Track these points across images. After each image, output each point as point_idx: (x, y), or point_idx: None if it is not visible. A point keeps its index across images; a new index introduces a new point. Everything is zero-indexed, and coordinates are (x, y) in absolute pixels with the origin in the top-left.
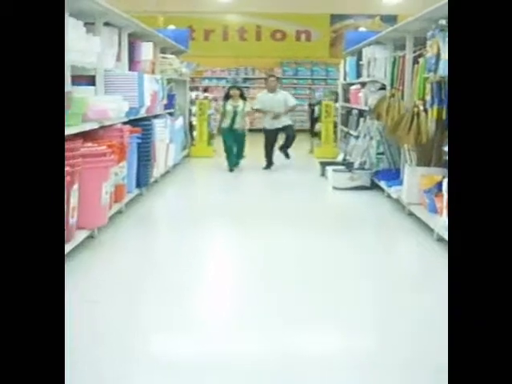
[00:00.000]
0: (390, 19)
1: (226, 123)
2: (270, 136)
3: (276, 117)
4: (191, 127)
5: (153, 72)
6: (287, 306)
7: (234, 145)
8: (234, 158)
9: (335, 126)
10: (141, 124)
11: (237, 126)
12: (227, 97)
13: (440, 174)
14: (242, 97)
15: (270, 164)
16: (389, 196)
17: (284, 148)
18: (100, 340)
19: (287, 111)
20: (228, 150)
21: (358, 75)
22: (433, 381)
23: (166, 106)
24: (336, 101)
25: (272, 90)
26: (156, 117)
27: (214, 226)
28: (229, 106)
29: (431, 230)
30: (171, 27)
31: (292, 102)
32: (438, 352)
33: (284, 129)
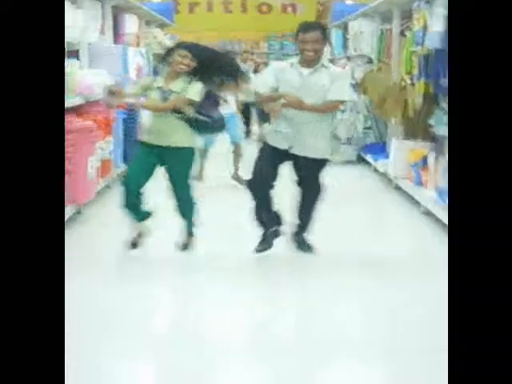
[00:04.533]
0: None
1: (146, 133)
2: (268, 160)
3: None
4: None
5: (137, 45)
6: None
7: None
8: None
9: None
10: None
11: (167, 141)
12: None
13: (426, 148)
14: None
15: (268, 237)
16: (375, 170)
17: (298, 232)
18: (85, 315)
19: (325, 109)
20: (127, 198)
21: (345, 49)
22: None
23: None
24: None
25: (309, 63)
26: None
27: (204, 200)
28: (154, 91)
29: (418, 204)
30: (156, 0)
31: (344, 94)
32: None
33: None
